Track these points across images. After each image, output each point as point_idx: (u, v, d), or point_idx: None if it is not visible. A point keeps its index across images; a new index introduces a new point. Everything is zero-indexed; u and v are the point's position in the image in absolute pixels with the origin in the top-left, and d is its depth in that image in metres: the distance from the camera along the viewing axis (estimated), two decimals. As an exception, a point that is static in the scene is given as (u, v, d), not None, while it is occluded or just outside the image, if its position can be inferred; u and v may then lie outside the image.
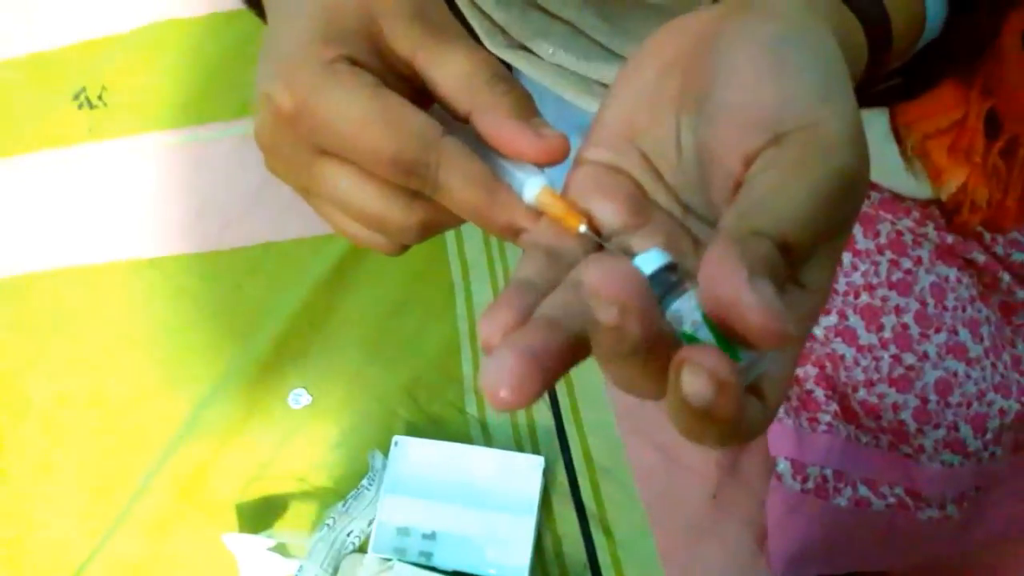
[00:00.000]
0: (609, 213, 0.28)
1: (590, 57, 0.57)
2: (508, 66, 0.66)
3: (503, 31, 0.58)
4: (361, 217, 0.30)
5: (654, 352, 0.21)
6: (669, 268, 0.24)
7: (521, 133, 0.28)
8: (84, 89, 0.81)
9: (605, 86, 0.58)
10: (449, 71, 0.29)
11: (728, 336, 0.21)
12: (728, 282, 0.20)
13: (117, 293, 0.73)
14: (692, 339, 0.22)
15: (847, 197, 0.23)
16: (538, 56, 0.58)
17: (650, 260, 0.24)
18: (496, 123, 0.28)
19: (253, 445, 0.66)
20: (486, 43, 0.59)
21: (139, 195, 0.77)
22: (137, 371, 0.70)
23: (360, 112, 0.27)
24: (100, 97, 0.81)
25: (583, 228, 0.27)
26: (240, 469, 0.65)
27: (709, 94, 0.26)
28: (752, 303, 0.19)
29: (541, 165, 0.28)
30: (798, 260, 0.23)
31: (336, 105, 0.27)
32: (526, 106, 0.29)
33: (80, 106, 0.81)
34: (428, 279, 0.71)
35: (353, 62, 0.28)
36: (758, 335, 0.20)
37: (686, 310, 0.23)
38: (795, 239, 0.22)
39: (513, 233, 0.29)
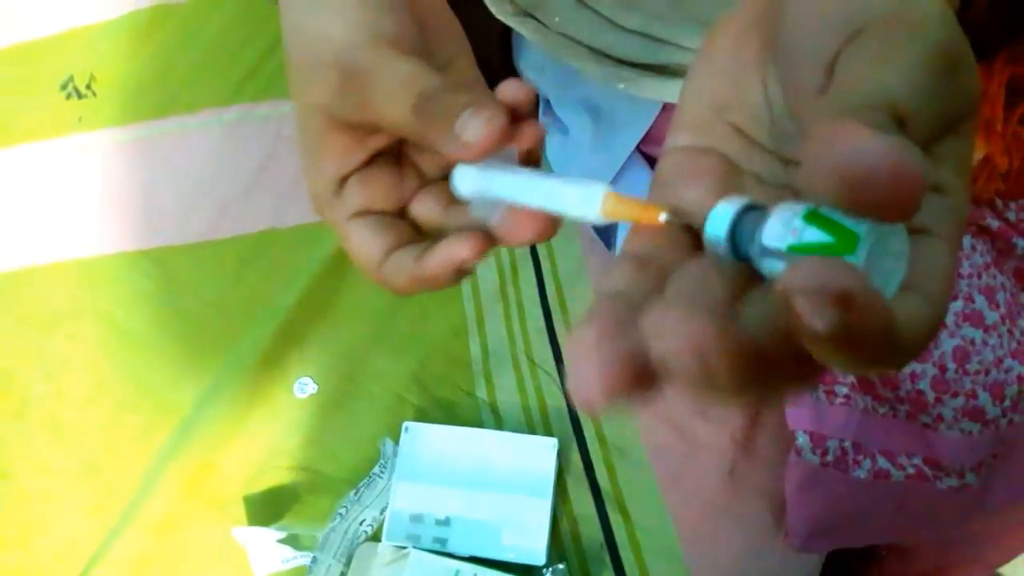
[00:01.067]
0: (697, 196, 0.26)
1: (596, 29, 0.56)
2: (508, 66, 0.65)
3: None
4: None
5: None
6: (748, 209, 0.22)
7: (452, 155, 0.29)
8: (72, 78, 0.79)
9: (610, 57, 0.57)
10: (383, 123, 0.31)
11: (854, 209, 0.18)
12: (844, 137, 0.18)
13: (114, 286, 0.72)
14: (800, 250, 0.20)
15: (952, 74, 0.22)
16: (545, 25, 0.57)
17: (719, 216, 0.22)
18: (446, 152, 0.29)
19: (260, 436, 0.65)
20: (493, 9, 0.58)
21: (132, 185, 0.75)
22: (138, 366, 0.69)
23: (342, 243, 0.34)
24: (89, 86, 0.79)
25: (663, 216, 0.25)
26: (247, 461, 0.64)
27: (782, 25, 0.25)
28: (876, 145, 0.17)
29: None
30: (918, 140, 0.20)
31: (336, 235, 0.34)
32: (450, 117, 0.29)
33: (68, 96, 0.79)
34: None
35: (339, 180, 0.33)
36: (889, 188, 0.17)
37: (779, 230, 0.21)
38: (908, 108, 0.20)
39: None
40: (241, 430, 0.65)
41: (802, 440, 0.57)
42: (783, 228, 0.20)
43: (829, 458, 0.57)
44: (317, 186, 0.34)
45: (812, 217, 0.20)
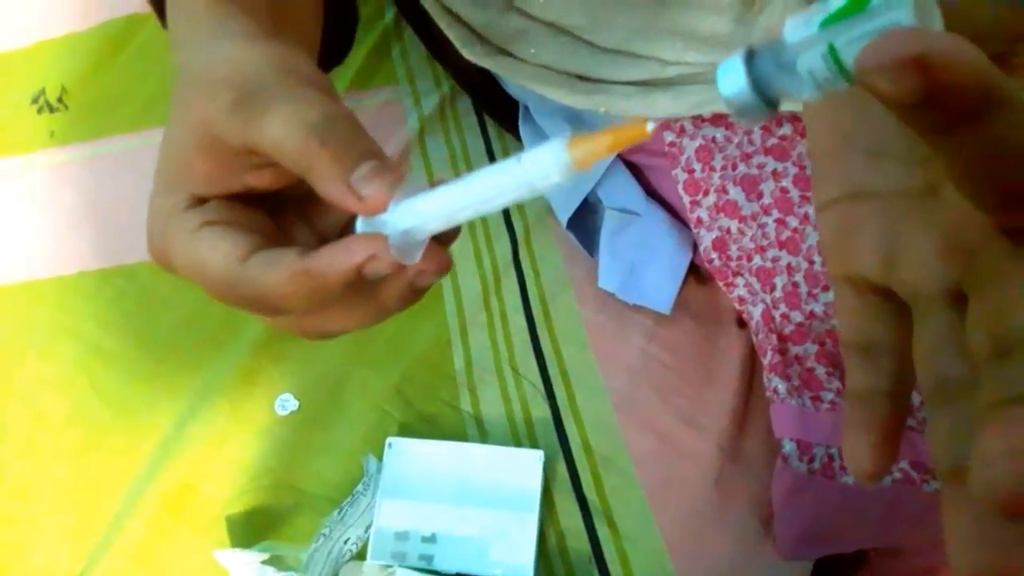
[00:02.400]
0: (866, 257, 0.26)
1: (574, 53, 0.56)
2: (474, 84, 0.64)
3: (481, 39, 0.58)
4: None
5: None
6: (751, 54, 0.21)
7: (341, 198, 0.27)
8: (43, 91, 0.78)
9: (589, 80, 0.57)
10: (268, 144, 0.27)
11: None
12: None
13: (90, 304, 0.71)
14: (836, 18, 0.19)
15: None
16: (519, 59, 0.57)
17: (729, 69, 0.21)
18: (319, 187, 0.27)
19: (241, 455, 0.64)
20: (464, 53, 0.58)
21: (107, 199, 0.74)
22: (115, 386, 0.68)
23: (182, 263, 0.29)
24: (60, 99, 0.77)
25: (651, 126, 0.23)
26: (229, 481, 0.63)
27: None
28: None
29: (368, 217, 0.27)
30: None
31: (172, 258, 0.29)
32: (346, 155, 0.27)
33: (40, 110, 0.77)
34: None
35: (196, 199, 0.30)
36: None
37: (801, 23, 0.20)
38: None
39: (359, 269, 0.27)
40: (222, 449, 0.64)
41: (788, 448, 0.57)
42: (804, 20, 0.20)
43: (816, 465, 0.57)
44: (165, 202, 0.30)
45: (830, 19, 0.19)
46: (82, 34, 0.80)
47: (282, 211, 0.32)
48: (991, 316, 0.22)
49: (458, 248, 0.70)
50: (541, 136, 0.67)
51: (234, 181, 0.30)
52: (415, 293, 0.29)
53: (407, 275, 0.27)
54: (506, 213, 0.70)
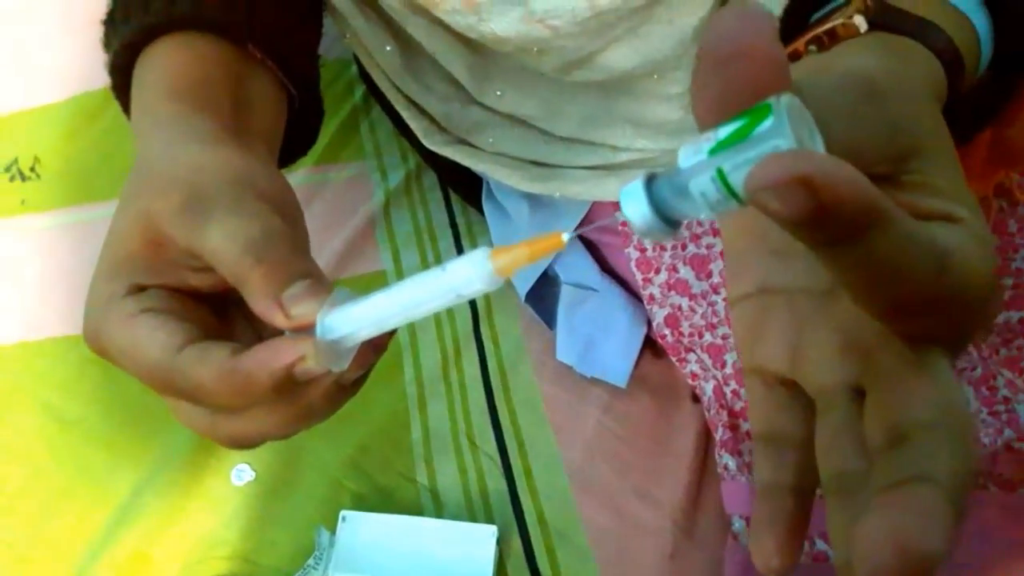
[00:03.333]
0: (774, 351, 0.27)
1: (530, 141, 0.59)
2: (439, 160, 0.67)
3: (441, 129, 0.61)
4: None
5: None
6: (651, 179, 0.22)
7: (270, 315, 0.27)
8: (16, 161, 0.79)
9: (544, 165, 0.59)
10: (207, 253, 0.29)
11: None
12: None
13: (53, 371, 0.71)
14: (723, 145, 0.20)
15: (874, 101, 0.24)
16: (477, 148, 0.60)
17: (631, 194, 0.22)
18: (251, 303, 0.28)
19: (197, 525, 0.64)
20: (425, 142, 0.61)
21: (74, 267, 0.75)
22: (75, 452, 0.67)
23: (117, 348, 0.29)
24: (33, 169, 0.79)
25: (567, 236, 0.24)
26: (184, 551, 0.63)
27: None
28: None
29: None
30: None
31: (107, 342, 0.29)
32: (280, 273, 0.28)
33: (12, 178, 0.79)
34: (374, 344, 0.69)
35: (137, 287, 0.30)
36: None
37: (691, 151, 0.21)
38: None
39: (292, 379, 0.27)
40: (178, 518, 0.64)
41: (738, 525, 0.57)
42: (695, 149, 0.21)
43: (766, 543, 0.57)
44: (105, 287, 0.30)
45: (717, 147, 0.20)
46: (58, 105, 0.82)
47: (225, 308, 0.32)
48: (885, 411, 0.23)
49: (419, 321, 0.70)
50: (503, 211, 0.69)
51: (177, 276, 0.31)
52: (342, 392, 0.29)
53: (332, 375, 0.28)
54: (468, 285, 0.71)
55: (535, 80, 0.54)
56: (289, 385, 0.27)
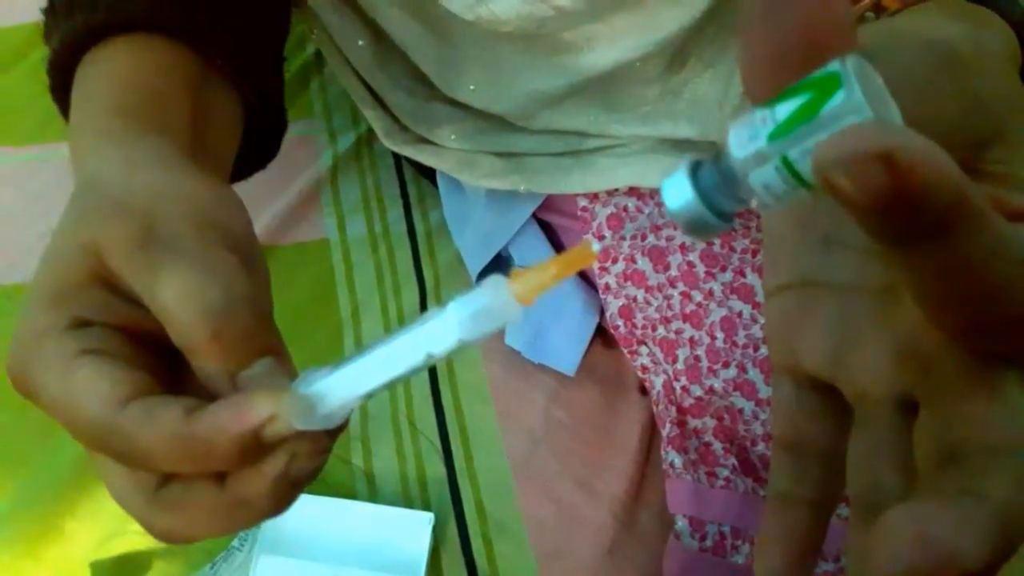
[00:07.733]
0: (813, 343, 0.24)
1: (493, 131, 0.58)
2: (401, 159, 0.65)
3: (403, 128, 0.59)
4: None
5: None
6: (697, 165, 0.20)
7: (223, 391, 0.24)
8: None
9: (505, 156, 0.58)
10: (158, 308, 0.25)
11: None
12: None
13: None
14: (784, 129, 0.17)
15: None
16: (438, 145, 0.59)
17: (675, 185, 0.19)
18: (200, 375, 0.25)
19: (111, 497, 0.60)
20: (386, 142, 0.60)
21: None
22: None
23: (48, 395, 0.24)
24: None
25: (597, 246, 0.22)
26: (97, 524, 0.59)
27: None
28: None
29: None
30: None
31: (37, 384, 0.25)
32: (239, 350, 0.24)
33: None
34: (313, 316, 0.66)
35: (79, 321, 0.25)
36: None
37: (745, 136, 0.18)
38: None
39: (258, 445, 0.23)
40: (91, 490, 0.60)
41: (681, 525, 0.56)
42: (749, 133, 0.18)
43: (708, 543, 0.56)
44: (41, 319, 0.25)
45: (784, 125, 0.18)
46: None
47: (178, 353, 0.26)
48: (943, 429, 0.20)
49: (362, 290, 0.67)
50: (456, 184, 0.66)
51: (125, 315, 0.26)
52: (291, 487, 0.24)
53: (278, 463, 0.24)
54: (416, 261, 0.69)
55: (508, 71, 0.52)
56: (256, 451, 0.23)
